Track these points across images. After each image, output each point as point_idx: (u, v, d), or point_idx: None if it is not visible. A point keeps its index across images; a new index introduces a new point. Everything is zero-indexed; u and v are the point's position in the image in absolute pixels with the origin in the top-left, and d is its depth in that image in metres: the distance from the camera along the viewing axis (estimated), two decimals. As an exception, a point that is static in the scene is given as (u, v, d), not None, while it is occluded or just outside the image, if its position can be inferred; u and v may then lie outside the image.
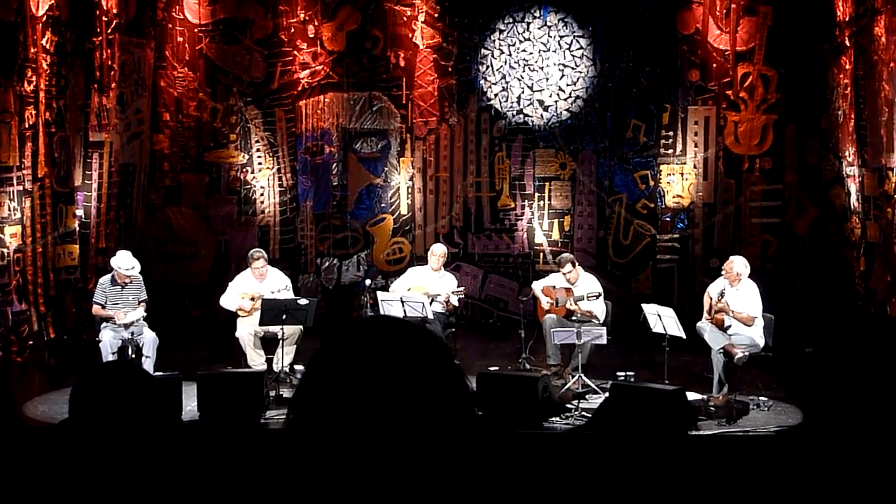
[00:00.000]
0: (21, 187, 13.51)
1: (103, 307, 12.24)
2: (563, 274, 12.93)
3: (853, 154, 13.98)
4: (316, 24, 16.66)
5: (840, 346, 2.11)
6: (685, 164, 16.23)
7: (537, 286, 13.32)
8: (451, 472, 1.76)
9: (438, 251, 13.71)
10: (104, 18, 14.85)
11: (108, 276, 12.43)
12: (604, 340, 12.10)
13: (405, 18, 16.60)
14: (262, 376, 11.04)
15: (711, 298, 11.98)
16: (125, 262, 12.33)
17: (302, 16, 16.65)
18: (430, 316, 12.63)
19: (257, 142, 16.89)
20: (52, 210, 14.05)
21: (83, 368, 2.91)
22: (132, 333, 12.14)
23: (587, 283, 12.94)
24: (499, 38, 16.53)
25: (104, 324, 12.21)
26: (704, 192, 16.22)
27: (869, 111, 13.36)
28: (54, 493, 2.81)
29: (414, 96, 16.73)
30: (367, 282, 14.55)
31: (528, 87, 16.52)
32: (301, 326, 12.24)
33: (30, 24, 13.45)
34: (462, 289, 13.79)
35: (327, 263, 17.00)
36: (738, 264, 11.94)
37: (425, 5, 16.51)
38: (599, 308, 12.76)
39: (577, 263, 13.08)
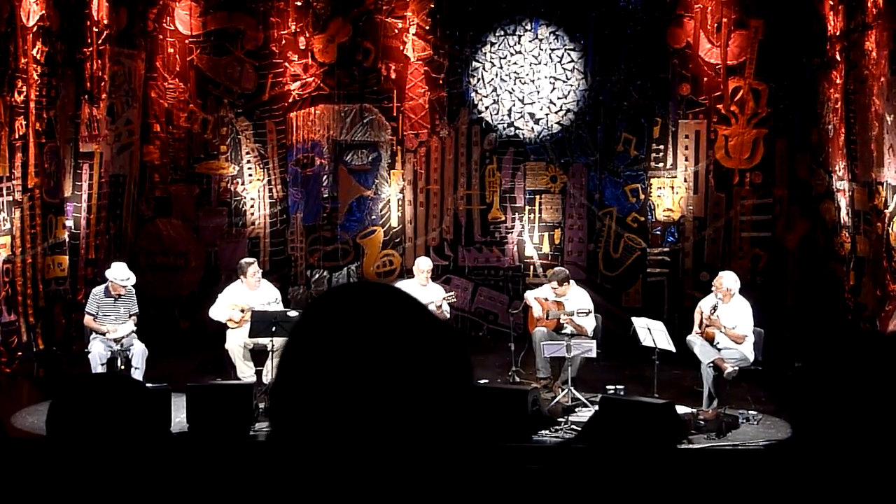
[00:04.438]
0: (11, 198, 13.48)
1: (95, 318, 12.22)
2: (552, 289, 12.90)
3: (843, 168, 14.01)
4: (307, 35, 16.66)
5: (829, 360, 2.10)
6: (676, 177, 16.25)
7: (530, 295, 13.31)
8: (452, 460, 1.68)
9: (424, 267, 13.66)
10: (95, 29, 14.84)
11: (102, 288, 12.42)
12: (593, 354, 12.10)
13: (396, 31, 16.61)
14: (251, 388, 11.03)
15: (703, 313, 11.97)
16: (120, 273, 12.33)
17: (293, 27, 16.65)
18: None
19: (248, 153, 16.88)
20: (41, 221, 14.02)
21: (63, 382, 2.89)
22: (122, 345, 12.14)
23: (578, 299, 12.91)
24: (490, 51, 16.54)
25: (94, 335, 12.20)
26: (695, 205, 16.23)
27: (859, 126, 13.38)
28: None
29: (405, 108, 16.73)
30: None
31: (519, 99, 16.52)
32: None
33: (20, 34, 13.43)
34: (453, 293, 13.81)
35: (317, 275, 16.97)
36: (727, 280, 11.91)
37: (417, 18, 16.52)
38: (589, 323, 12.74)
39: (568, 280, 13.00)
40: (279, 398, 1.70)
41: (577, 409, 11.64)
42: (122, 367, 11.96)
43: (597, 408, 10.97)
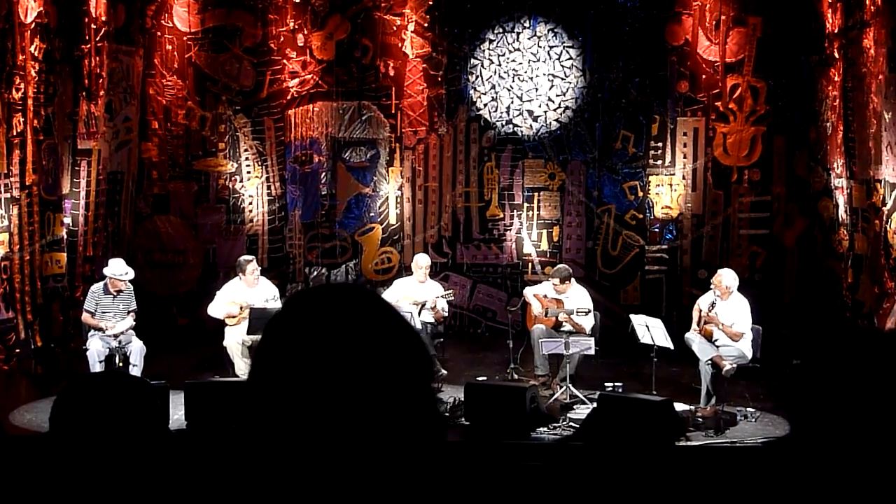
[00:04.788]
0: (9, 195, 13.46)
1: (93, 315, 12.23)
2: (553, 286, 12.90)
3: (841, 166, 14.00)
4: (305, 32, 16.64)
5: (827, 357, 2.10)
6: (674, 175, 16.24)
7: (529, 292, 13.31)
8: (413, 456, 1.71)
9: (423, 263, 13.67)
10: (93, 26, 14.82)
11: (101, 285, 12.42)
12: (592, 351, 12.11)
13: (395, 28, 16.60)
14: (249, 385, 11.00)
15: (701, 310, 11.97)
16: (119, 269, 12.35)
17: (291, 24, 16.63)
18: (419, 326, 12.61)
19: (246, 150, 16.86)
20: (39, 218, 13.99)
21: (69, 380, 2.88)
22: (120, 342, 12.14)
23: (578, 297, 12.90)
24: (488, 48, 16.54)
25: (92, 332, 12.20)
26: (693, 203, 16.22)
27: (857, 123, 13.38)
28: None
29: (403, 106, 16.72)
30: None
31: (517, 97, 16.52)
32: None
33: (18, 31, 13.41)
34: (450, 291, 13.80)
35: (315, 273, 16.97)
36: (726, 277, 11.92)
37: (415, 15, 16.51)
38: (588, 322, 12.73)
39: (570, 278, 12.99)
40: (250, 396, 1.76)
41: (575, 407, 11.64)
42: (121, 365, 11.97)
43: (595, 405, 10.97)
